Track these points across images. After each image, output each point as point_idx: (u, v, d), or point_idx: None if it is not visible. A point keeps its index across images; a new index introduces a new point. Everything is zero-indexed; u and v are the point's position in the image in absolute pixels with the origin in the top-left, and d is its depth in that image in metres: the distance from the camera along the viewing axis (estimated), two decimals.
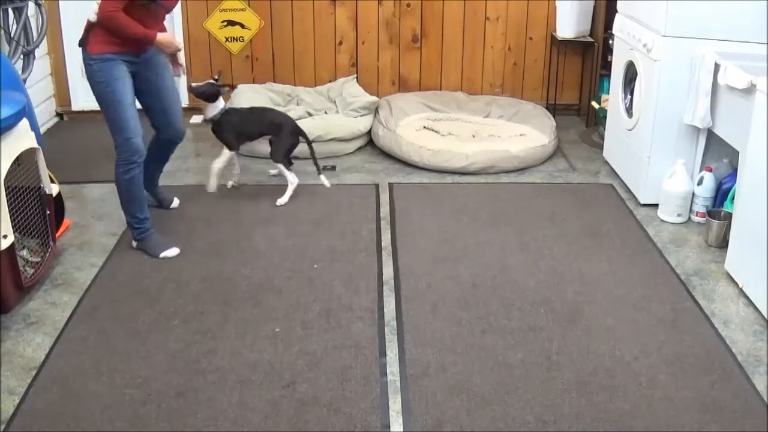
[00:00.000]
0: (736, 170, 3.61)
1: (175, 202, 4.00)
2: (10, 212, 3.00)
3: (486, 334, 2.94)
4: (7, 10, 4.35)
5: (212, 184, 4.03)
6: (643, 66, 4.03)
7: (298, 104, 5.13)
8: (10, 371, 2.72)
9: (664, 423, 2.47)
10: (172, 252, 3.50)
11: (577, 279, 3.35)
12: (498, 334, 2.94)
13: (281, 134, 4.10)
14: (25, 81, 4.33)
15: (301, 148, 4.75)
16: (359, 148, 4.95)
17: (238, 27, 5.40)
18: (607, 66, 4.99)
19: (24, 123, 3.17)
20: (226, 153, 4.08)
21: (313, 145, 4.76)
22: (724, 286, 3.33)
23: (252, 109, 4.31)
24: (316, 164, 4.17)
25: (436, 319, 3.04)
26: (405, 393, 2.61)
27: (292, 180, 4.11)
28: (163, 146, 3.78)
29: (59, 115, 5.49)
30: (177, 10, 5.33)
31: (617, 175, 4.48)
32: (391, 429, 2.45)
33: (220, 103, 4.05)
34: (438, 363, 2.76)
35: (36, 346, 2.86)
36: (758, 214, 3.11)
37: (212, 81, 4.04)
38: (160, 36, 3.35)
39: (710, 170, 3.85)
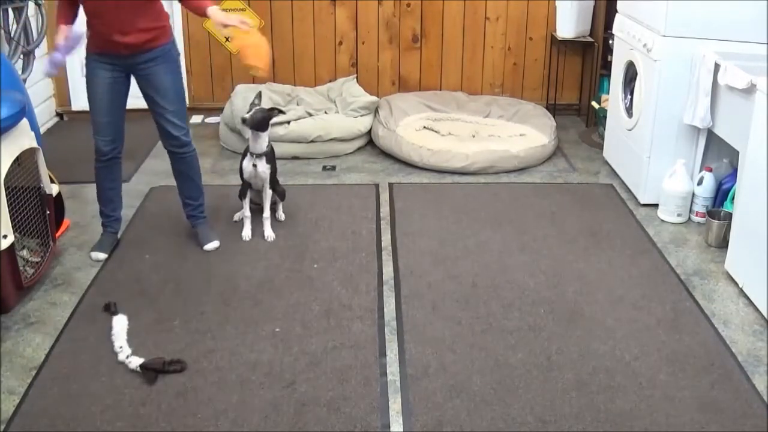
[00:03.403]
0: (736, 170, 3.61)
1: (211, 245, 3.60)
2: (10, 212, 3.00)
3: (486, 334, 2.94)
4: (7, 10, 4.35)
5: (268, 234, 3.71)
6: (643, 66, 4.03)
7: (298, 104, 5.13)
8: (10, 371, 2.72)
9: (664, 423, 2.47)
10: (98, 255, 3.48)
11: (577, 279, 3.35)
12: (498, 334, 2.94)
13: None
14: (25, 81, 4.32)
15: (302, 149, 4.77)
16: (359, 148, 4.95)
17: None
18: (607, 66, 4.99)
19: (24, 123, 3.17)
20: (270, 193, 3.69)
21: (313, 144, 4.78)
22: (724, 286, 3.33)
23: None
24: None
25: (436, 319, 3.04)
26: (405, 393, 2.61)
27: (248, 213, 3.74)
28: (169, 157, 3.57)
29: (59, 115, 5.49)
30: (177, 9, 5.34)
31: (617, 175, 4.48)
32: (391, 429, 2.45)
33: (267, 133, 3.59)
34: (438, 363, 2.76)
35: (36, 346, 2.86)
36: (758, 214, 3.11)
37: (256, 105, 3.54)
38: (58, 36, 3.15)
39: (710, 170, 3.85)
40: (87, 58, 3.32)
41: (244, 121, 3.49)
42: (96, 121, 3.37)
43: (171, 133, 3.42)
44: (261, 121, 3.53)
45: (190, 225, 3.70)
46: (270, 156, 3.64)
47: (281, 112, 3.68)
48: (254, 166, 3.60)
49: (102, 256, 3.48)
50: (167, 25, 3.36)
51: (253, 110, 3.52)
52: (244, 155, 3.66)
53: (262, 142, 3.59)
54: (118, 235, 3.66)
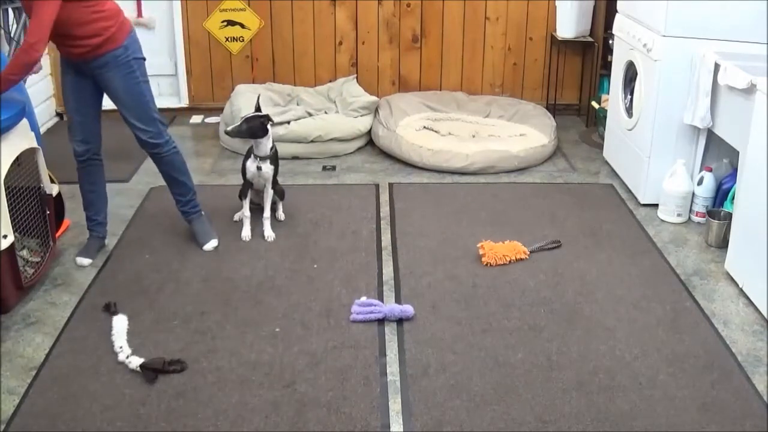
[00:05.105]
0: (736, 170, 3.61)
1: (209, 244, 3.61)
2: (10, 212, 3.00)
3: (486, 334, 2.94)
4: (7, 10, 4.35)
5: (268, 234, 3.71)
6: (643, 66, 4.03)
7: (298, 104, 5.13)
8: (10, 371, 2.72)
9: (664, 423, 2.47)
10: (82, 261, 3.46)
11: (577, 279, 3.35)
12: (498, 334, 2.94)
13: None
14: (25, 81, 4.32)
15: (302, 149, 4.77)
16: (359, 148, 4.95)
17: (238, 27, 5.40)
18: (607, 66, 4.99)
19: (24, 123, 3.17)
20: (271, 193, 3.71)
21: (313, 144, 4.79)
22: (724, 286, 3.33)
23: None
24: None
25: (436, 319, 3.04)
26: (405, 393, 2.61)
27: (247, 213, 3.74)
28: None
29: (59, 115, 5.49)
30: (177, 9, 5.35)
31: (617, 175, 4.48)
32: (391, 429, 2.45)
33: (270, 136, 3.59)
34: (438, 363, 2.76)
35: (36, 346, 2.86)
36: (758, 214, 3.11)
37: (257, 113, 3.55)
38: None
39: (710, 170, 3.85)
40: (60, 58, 3.33)
41: (228, 133, 3.52)
42: (69, 120, 3.40)
43: (137, 136, 3.42)
44: (248, 131, 3.51)
45: (186, 221, 3.70)
46: (274, 157, 3.65)
47: (269, 120, 3.60)
48: (258, 168, 3.60)
49: (86, 261, 3.47)
50: (113, 32, 3.21)
51: (241, 120, 3.52)
52: (247, 155, 3.66)
53: (265, 145, 3.59)
54: (105, 240, 3.63)
